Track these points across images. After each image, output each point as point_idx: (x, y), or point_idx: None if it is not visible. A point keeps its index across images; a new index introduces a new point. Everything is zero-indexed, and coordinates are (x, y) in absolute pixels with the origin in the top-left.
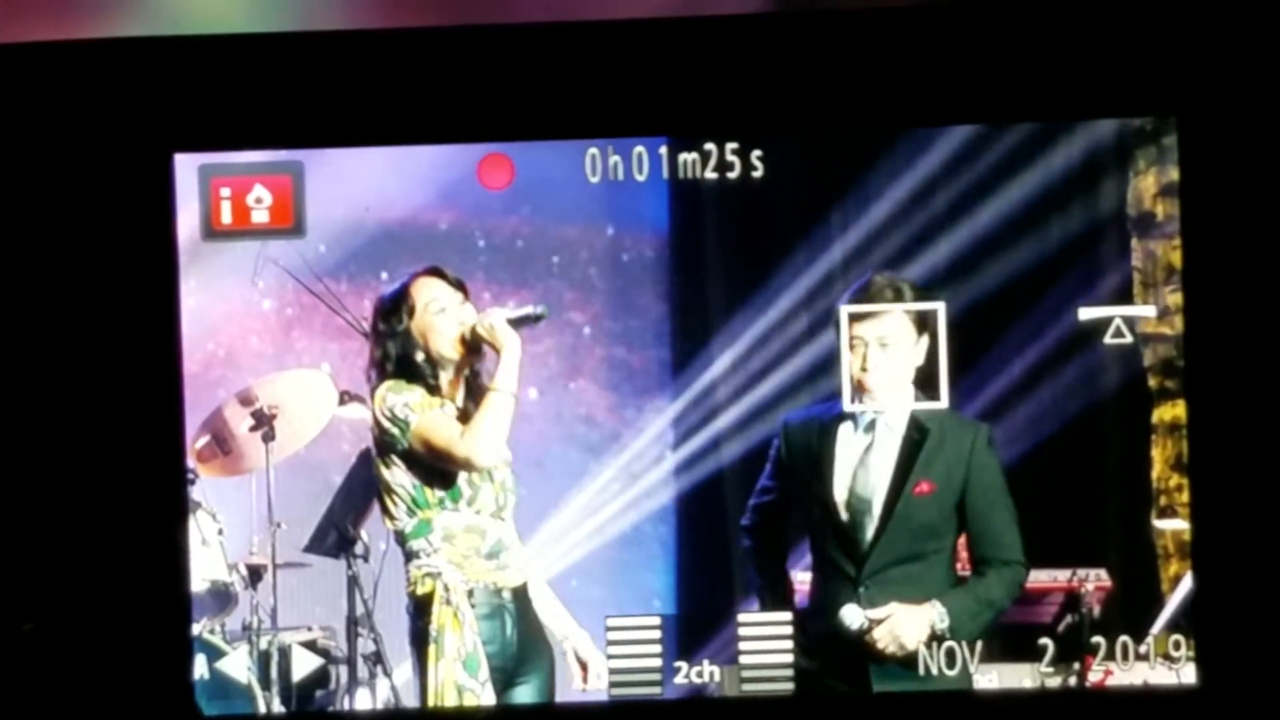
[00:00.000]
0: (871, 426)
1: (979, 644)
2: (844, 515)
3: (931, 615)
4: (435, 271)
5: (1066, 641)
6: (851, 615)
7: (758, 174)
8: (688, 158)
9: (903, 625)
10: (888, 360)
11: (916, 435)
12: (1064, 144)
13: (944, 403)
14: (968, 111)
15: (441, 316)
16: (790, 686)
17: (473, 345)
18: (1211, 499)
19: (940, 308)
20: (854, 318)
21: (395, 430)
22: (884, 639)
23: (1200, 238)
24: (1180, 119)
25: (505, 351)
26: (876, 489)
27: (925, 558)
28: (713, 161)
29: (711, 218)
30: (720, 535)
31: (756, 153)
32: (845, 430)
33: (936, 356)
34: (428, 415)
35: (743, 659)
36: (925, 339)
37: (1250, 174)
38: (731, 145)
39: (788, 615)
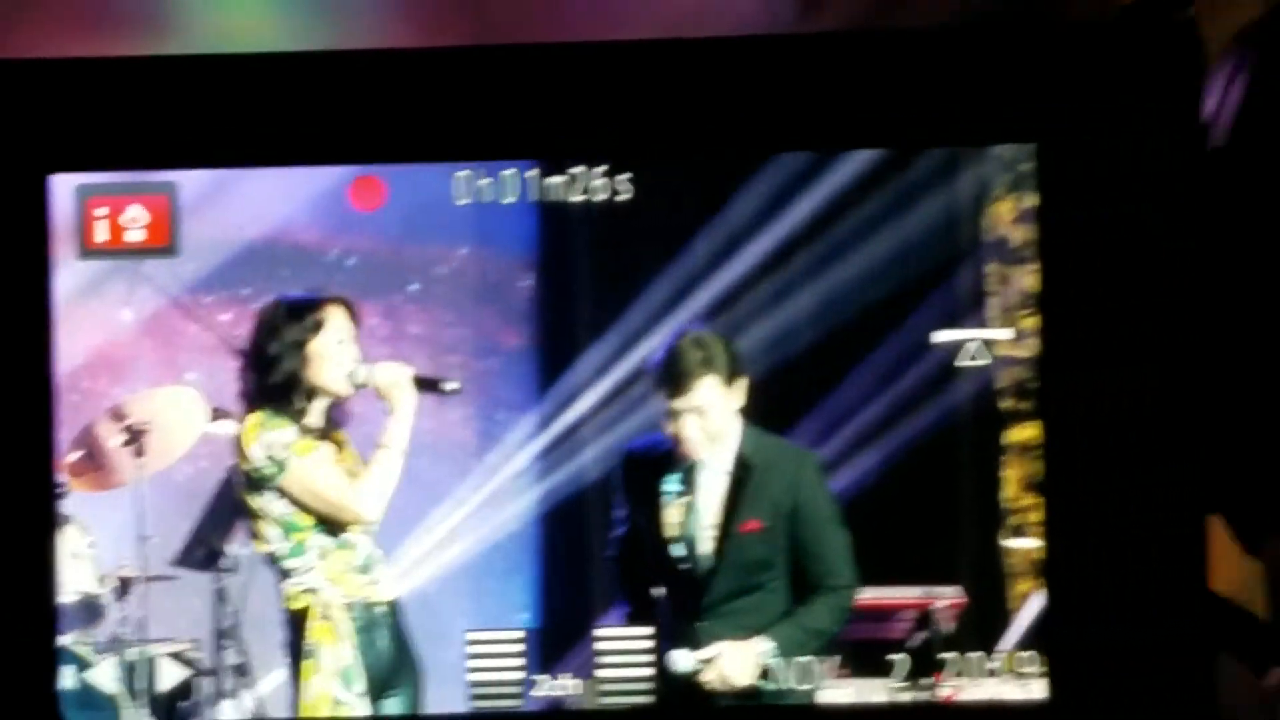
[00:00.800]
0: (695, 470)
1: (837, 659)
2: (676, 552)
3: (759, 651)
4: (343, 301)
5: (919, 657)
6: (680, 659)
7: (625, 198)
8: (556, 181)
9: (730, 665)
10: (704, 423)
11: (741, 474)
12: (922, 170)
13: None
14: (832, 138)
15: (341, 348)
16: (648, 699)
17: (360, 386)
18: (1064, 518)
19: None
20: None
21: (272, 470)
22: (713, 679)
23: (1056, 262)
24: (1040, 146)
25: (400, 409)
26: (703, 530)
27: (764, 587)
28: (581, 185)
29: (579, 241)
30: (581, 551)
31: (624, 177)
32: (673, 471)
33: (756, 392)
34: (308, 459)
35: (599, 673)
36: (743, 380)
37: (1106, 200)
38: (599, 169)
39: (647, 630)
